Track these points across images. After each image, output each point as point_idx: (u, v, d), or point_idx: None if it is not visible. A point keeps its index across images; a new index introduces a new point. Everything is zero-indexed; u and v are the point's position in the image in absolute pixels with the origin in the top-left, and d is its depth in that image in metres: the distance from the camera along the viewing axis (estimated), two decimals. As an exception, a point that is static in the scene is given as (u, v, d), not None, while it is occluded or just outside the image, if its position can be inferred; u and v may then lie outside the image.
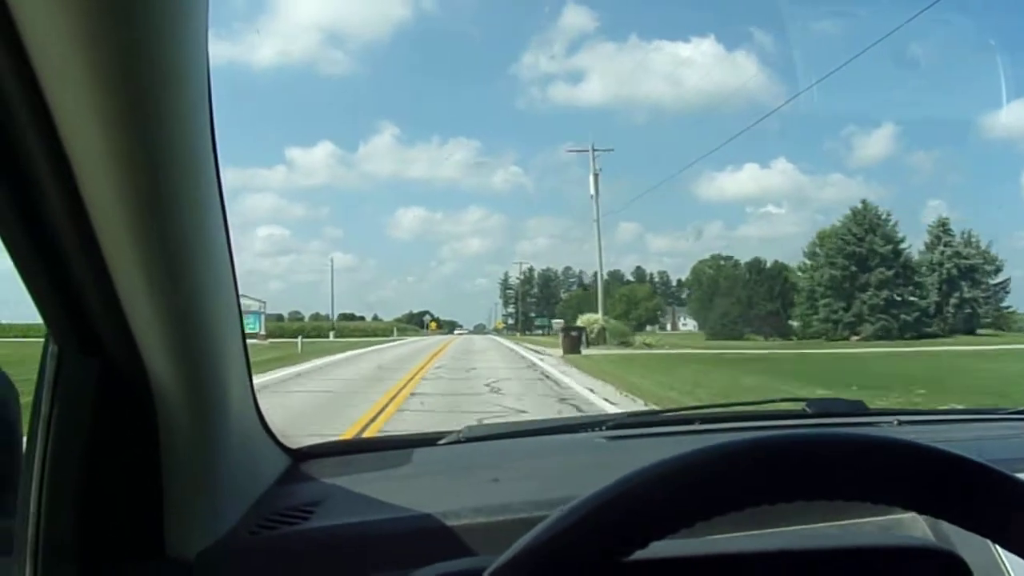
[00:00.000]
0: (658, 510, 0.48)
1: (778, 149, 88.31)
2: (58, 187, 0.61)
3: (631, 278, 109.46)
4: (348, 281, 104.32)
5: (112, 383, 0.75)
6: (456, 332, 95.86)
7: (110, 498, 0.77)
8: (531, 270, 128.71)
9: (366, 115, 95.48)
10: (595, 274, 67.65)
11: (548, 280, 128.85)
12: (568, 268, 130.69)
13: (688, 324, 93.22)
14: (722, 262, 75.76)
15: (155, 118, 0.60)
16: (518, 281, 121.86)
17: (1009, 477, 0.48)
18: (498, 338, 54.67)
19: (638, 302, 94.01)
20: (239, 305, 0.84)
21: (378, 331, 53.45)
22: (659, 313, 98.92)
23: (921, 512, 0.51)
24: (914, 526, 0.94)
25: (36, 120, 0.56)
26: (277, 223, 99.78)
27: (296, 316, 72.54)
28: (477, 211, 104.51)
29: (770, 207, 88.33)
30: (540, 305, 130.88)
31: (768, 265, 49.77)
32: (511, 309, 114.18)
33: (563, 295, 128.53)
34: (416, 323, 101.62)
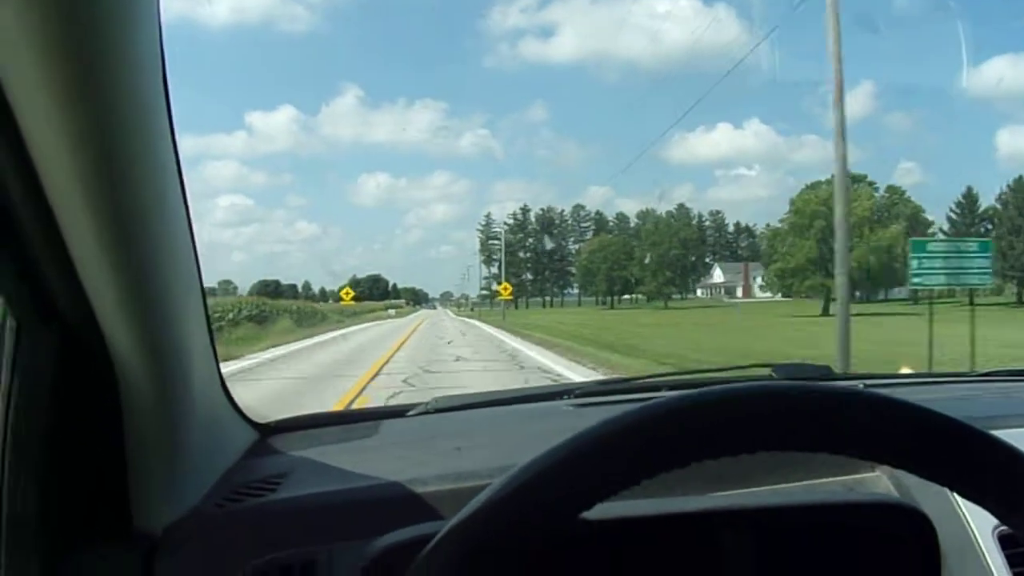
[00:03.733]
0: (604, 467, 0.51)
1: (752, 109, 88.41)
2: (9, 157, 0.64)
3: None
4: (313, 250, 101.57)
5: (72, 356, 0.80)
6: (424, 307, 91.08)
7: (73, 473, 0.82)
8: (526, 210, 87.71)
9: (328, 76, 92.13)
10: (618, 215, 75.49)
11: (550, 223, 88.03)
12: (580, 206, 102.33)
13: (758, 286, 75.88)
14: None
15: (106, 84, 0.62)
16: (507, 227, 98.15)
17: (970, 428, 0.53)
18: (483, 326, 34.48)
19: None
20: (200, 276, 0.90)
21: (305, 315, 38.31)
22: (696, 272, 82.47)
23: (883, 462, 0.55)
24: (877, 483, 1.01)
25: None
26: (239, 192, 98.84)
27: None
28: (443, 175, 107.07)
29: (742, 169, 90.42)
30: (539, 261, 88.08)
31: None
32: (494, 270, 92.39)
33: (574, 245, 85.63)
34: (377, 294, 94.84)
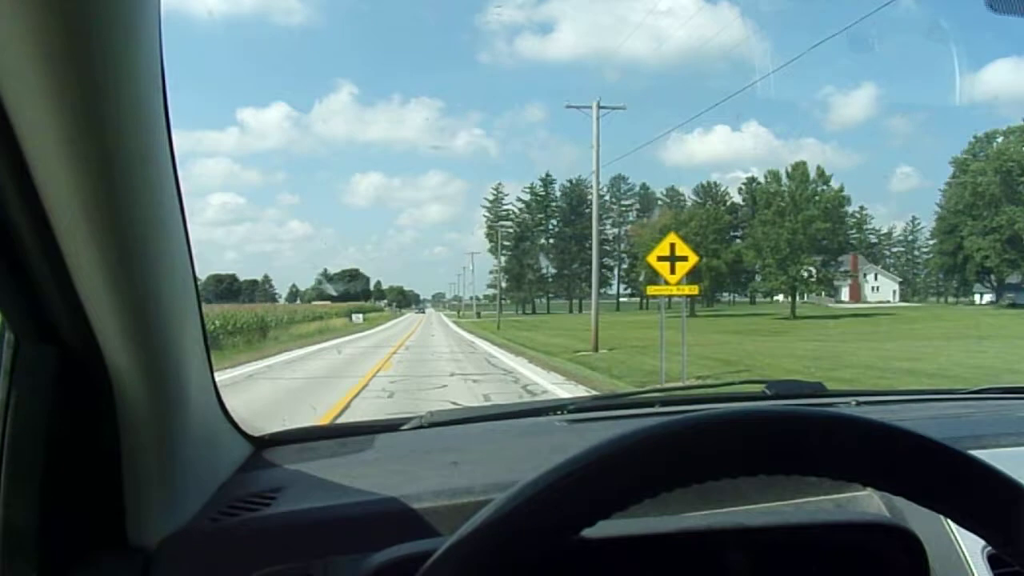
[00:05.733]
0: (604, 487, 0.54)
1: (751, 112, 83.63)
2: (11, 174, 0.69)
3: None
4: (305, 251, 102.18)
5: (70, 371, 0.87)
6: (412, 310, 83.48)
7: (70, 487, 0.88)
8: (548, 181, 70.03)
9: (322, 72, 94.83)
10: (669, 190, 64.22)
11: (580, 200, 64.80)
12: (621, 178, 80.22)
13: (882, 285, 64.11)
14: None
15: (108, 102, 0.67)
16: (523, 204, 78.14)
17: (962, 454, 0.57)
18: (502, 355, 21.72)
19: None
20: (197, 291, 0.99)
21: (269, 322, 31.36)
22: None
23: (880, 488, 0.58)
24: (869, 503, 1.06)
25: None
26: (231, 190, 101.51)
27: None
28: (437, 176, 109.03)
29: (738, 172, 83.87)
30: (566, 250, 76.33)
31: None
32: (502, 260, 70.75)
33: (611, 228, 77.41)
34: (354, 293, 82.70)
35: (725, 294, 59.89)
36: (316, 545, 0.96)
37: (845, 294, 62.71)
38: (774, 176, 55.16)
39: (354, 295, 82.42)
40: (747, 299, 64.89)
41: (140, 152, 0.74)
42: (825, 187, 53.31)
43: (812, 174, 52.73)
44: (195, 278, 0.96)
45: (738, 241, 58.45)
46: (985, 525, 0.57)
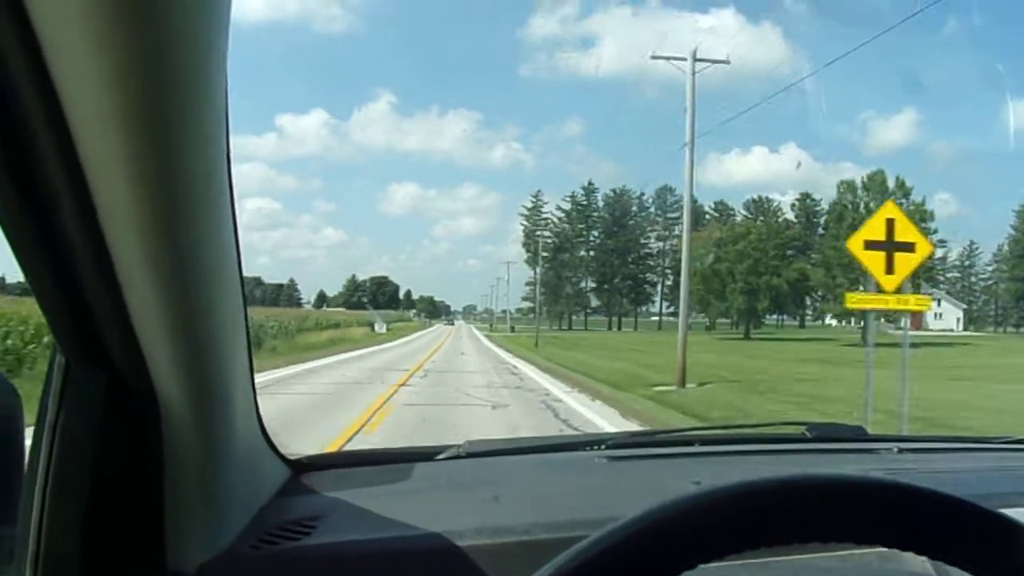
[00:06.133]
0: (699, 538, 0.53)
1: (788, 134, 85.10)
2: (70, 196, 0.69)
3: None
4: (339, 258, 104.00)
5: (118, 395, 0.88)
6: (441, 322, 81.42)
7: (112, 509, 0.88)
8: (590, 190, 63.23)
9: (362, 80, 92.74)
10: (718, 204, 64.93)
11: (624, 210, 60.64)
12: (668, 188, 76.30)
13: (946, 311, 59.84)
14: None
15: (172, 126, 0.67)
16: (563, 214, 73.59)
17: (1005, 518, 0.55)
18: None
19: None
20: (246, 317, 1.00)
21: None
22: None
23: (925, 555, 0.57)
24: (913, 558, 1.15)
25: (49, 125, 0.64)
26: (268, 195, 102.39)
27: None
28: (472, 188, 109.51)
29: (774, 194, 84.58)
30: (607, 263, 60.31)
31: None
32: (539, 270, 63.69)
33: (656, 242, 71.41)
34: (382, 301, 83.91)
35: (772, 316, 54.50)
36: None
37: (903, 320, 56.70)
38: (848, 187, 50.57)
39: (383, 303, 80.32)
40: (796, 322, 59.40)
41: (201, 173, 0.74)
42: (904, 200, 47.87)
43: (891, 185, 47.56)
44: (245, 300, 0.96)
45: (793, 260, 54.39)
46: None
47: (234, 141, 0.82)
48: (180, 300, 0.79)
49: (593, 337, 50.39)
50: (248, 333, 1.02)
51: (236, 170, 0.86)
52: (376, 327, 41.26)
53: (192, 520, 0.94)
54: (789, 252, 56.15)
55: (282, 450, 1.33)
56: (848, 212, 47.27)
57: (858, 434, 1.69)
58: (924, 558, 1.01)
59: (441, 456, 1.51)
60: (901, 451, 1.60)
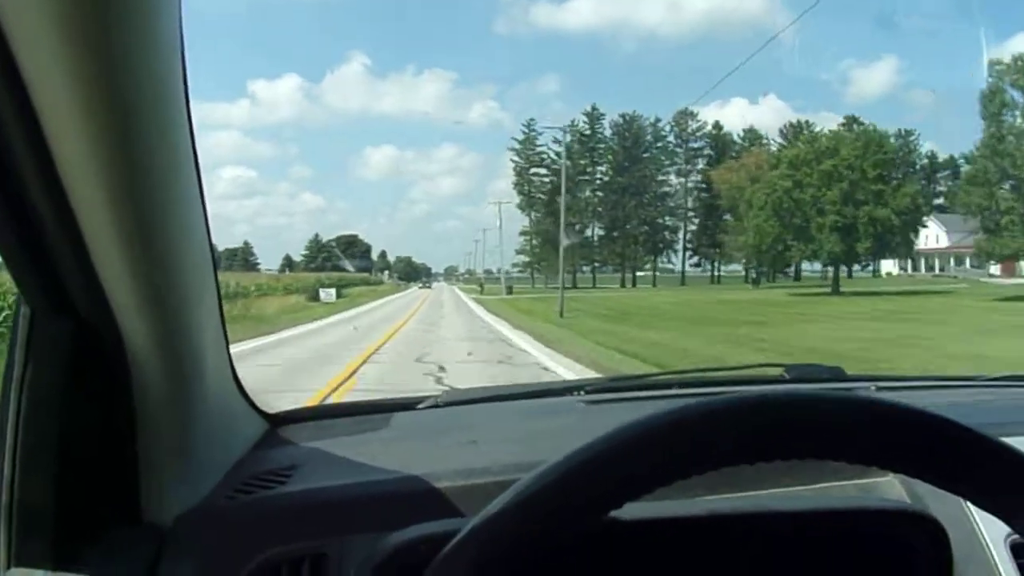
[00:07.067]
0: (635, 468, 0.55)
1: (769, 84, 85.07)
2: (28, 145, 0.71)
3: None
4: (319, 223, 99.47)
5: (86, 345, 0.87)
6: (419, 284, 71.91)
7: (85, 462, 0.88)
8: (595, 116, 49.73)
9: (334, 42, 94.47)
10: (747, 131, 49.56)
11: (636, 141, 46.29)
12: (689, 112, 64.24)
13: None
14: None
15: (127, 73, 0.69)
16: (558, 145, 59.44)
17: (985, 437, 0.57)
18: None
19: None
20: (215, 264, 1.00)
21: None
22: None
23: (899, 471, 0.59)
24: (890, 488, 1.08)
25: (5, 78, 0.65)
26: (242, 163, 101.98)
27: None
28: (451, 148, 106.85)
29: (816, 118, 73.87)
30: (618, 205, 46.58)
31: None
32: (535, 214, 57.93)
33: (676, 178, 70.00)
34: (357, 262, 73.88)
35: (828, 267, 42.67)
36: (332, 524, 0.96)
37: (993, 267, 45.58)
38: (1009, 67, 32.92)
39: (356, 267, 68.73)
40: (869, 272, 48.02)
41: (159, 122, 0.75)
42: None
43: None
44: (212, 250, 0.96)
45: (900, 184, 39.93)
46: (1008, 509, 0.57)
47: (206, 108, 0.80)
48: (143, 245, 0.79)
49: (619, 297, 39.70)
50: (218, 286, 1.00)
51: (210, 138, 0.82)
52: (322, 295, 32.69)
53: (166, 472, 0.95)
54: (893, 176, 40.34)
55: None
56: (1012, 104, 32.40)
57: (836, 374, 1.73)
58: (901, 489, 0.99)
59: (420, 406, 1.53)
60: (879, 389, 1.64)
